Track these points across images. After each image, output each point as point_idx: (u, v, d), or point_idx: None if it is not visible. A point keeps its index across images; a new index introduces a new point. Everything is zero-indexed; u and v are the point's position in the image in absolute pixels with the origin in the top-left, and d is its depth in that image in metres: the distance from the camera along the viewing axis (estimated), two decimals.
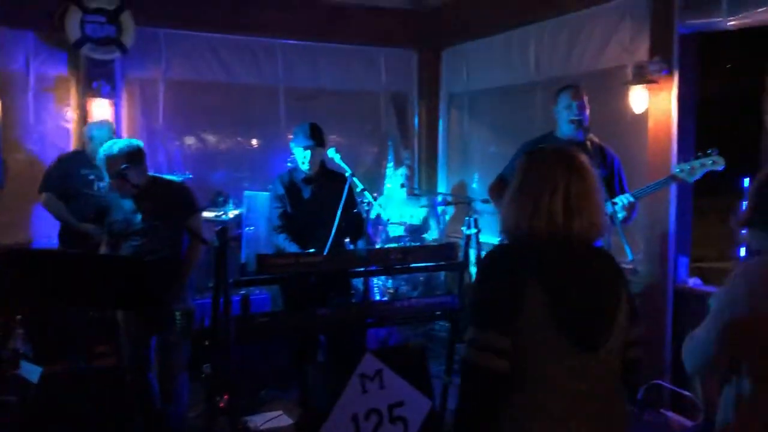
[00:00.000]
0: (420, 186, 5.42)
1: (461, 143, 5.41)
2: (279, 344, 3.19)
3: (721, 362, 1.46)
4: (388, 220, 4.41)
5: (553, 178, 1.37)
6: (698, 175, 2.94)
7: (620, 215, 2.94)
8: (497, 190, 3.32)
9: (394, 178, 4.94)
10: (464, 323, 2.66)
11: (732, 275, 1.45)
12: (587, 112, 3.18)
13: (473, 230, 3.72)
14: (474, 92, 5.22)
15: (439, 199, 4.82)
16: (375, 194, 5.20)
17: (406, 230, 4.59)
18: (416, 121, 5.55)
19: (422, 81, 5.48)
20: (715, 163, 2.92)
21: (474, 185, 5.18)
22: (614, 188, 3.13)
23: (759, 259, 1.49)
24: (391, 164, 5.31)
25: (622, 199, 2.96)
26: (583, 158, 1.41)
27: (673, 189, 3.71)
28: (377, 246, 3.80)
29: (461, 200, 4.65)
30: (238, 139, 4.47)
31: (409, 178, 4.91)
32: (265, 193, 3.59)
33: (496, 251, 1.42)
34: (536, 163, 1.42)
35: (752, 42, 4.04)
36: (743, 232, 1.54)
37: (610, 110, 4.02)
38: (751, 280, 1.43)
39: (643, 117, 3.88)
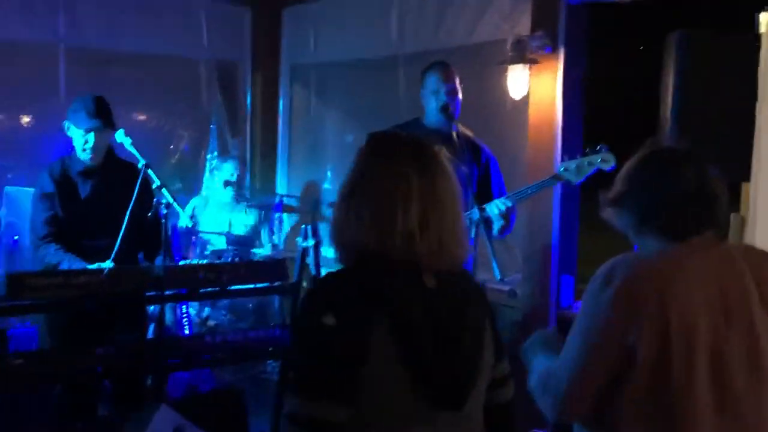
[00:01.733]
0: (252, 185, 5.48)
1: (309, 130, 5.55)
2: (44, 394, 2.99)
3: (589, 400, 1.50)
4: (192, 227, 4.41)
5: (405, 178, 1.36)
6: (586, 175, 3.08)
7: (496, 225, 3.08)
8: None
9: (218, 174, 4.91)
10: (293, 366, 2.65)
11: (602, 278, 1.52)
12: (459, 97, 3.31)
13: (311, 241, 3.71)
14: (324, 65, 5.36)
15: (276, 201, 4.90)
16: (190, 195, 5.09)
17: (230, 243, 4.60)
18: (248, 99, 5.60)
19: (257, 47, 5.54)
20: (604, 161, 3.06)
21: (326, 185, 5.32)
22: (490, 192, 3.28)
23: (635, 257, 1.58)
24: (213, 155, 5.37)
25: (497, 205, 3.08)
26: (436, 151, 1.42)
27: (557, 193, 3.96)
28: (183, 263, 3.62)
29: (304, 206, 4.81)
30: (0, 115, 4.20)
31: (239, 174, 4.86)
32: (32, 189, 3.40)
33: (329, 283, 1.38)
34: (382, 155, 1.42)
35: (650, 14, 4.35)
36: (609, 212, 1.66)
37: (486, 95, 4.31)
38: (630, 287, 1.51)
39: (523, 104, 4.16)
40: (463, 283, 1.42)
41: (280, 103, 5.65)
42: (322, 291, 1.34)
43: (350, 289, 1.32)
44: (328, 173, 5.44)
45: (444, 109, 3.22)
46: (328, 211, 4.58)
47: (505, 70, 4.16)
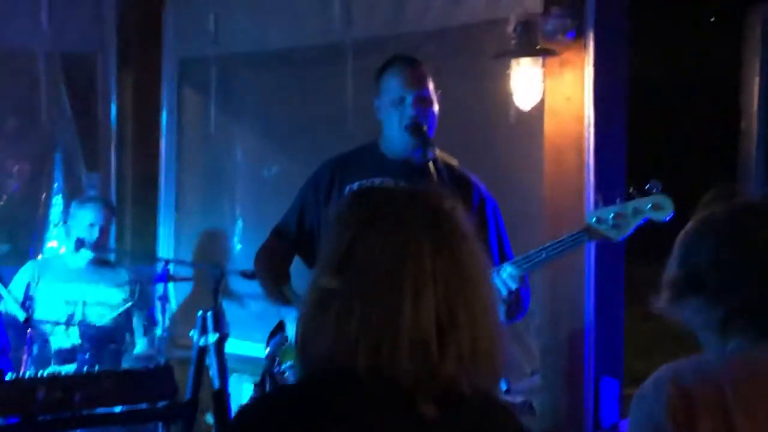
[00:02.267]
0: (121, 244, 5.44)
1: (208, 157, 5.68)
2: None
3: None
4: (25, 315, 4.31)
5: (415, 255, 1.42)
6: (632, 228, 3.14)
7: (500, 307, 3.15)
8: (270, 259, 3.53)
9: (67, 228, 4.97)
10: None
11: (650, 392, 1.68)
12: (435, 109, 3.38)
13: (212, 336, 3.72)
14: (230, 59, 5.45)
15: (159, 269, 4.80)
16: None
17: (85, 337, 4.56)
18: (113, 112, 5.60)
19: (126, 33, 5.59)
20: (657, 208, 3.13)
21: (236, 242, 5.44)
22: (489, 250, 3.38)
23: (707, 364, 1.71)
24: (59, 198, 5.36)
25: (501, 276, 3.14)
26: (452, 210, 1.49)
27: (590, 254, 4.05)
28: (10, 376, 3.47)
29: (202, 277, 4.86)
30: None
31: (101, 227, 4.84)
32: None
33: (273, 407, 1.46)
34: (376, 220, 1.47)
35: None
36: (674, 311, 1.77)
37: (478, 105, 4.49)
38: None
39: (534, 117, 4.31)
40: (488, 411, 1.49)
41: (163, 116, 5.68)
42: (273, 414, 1.41)
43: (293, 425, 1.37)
44: (239, 223, 5.48)
45: (413, 127, 3.31)
46: (240, 285, 4.55)
47: (507, 67, 4.29)
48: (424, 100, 3.34)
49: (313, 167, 3.56)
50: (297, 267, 3.52)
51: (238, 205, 5.57)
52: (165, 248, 5.67)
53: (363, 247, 1.44)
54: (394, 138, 3.37)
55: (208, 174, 5.75)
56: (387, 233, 1.44)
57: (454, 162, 3.44)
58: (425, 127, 3.31)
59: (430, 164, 3.25)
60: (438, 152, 3.29)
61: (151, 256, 5.35)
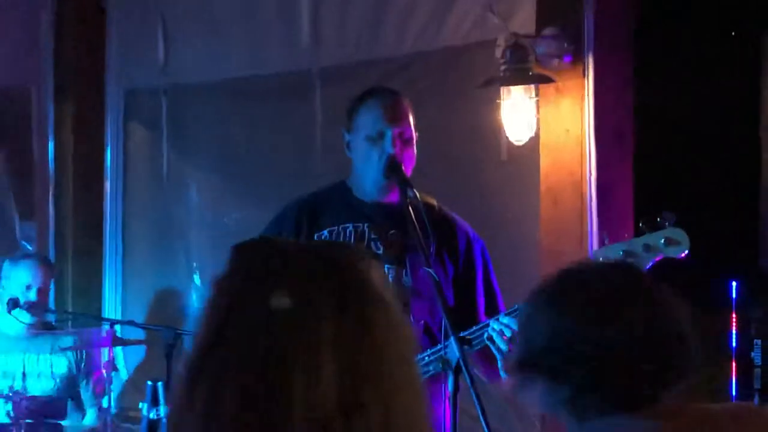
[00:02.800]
0: (61, 305, 5.42)
1: (159, 202, 5.62)
2: None
3: None
4: None
5: (314, 320, 1.30)
6: (644, 268, 3.10)
7: (498, 362, 3.12)
8: None
9: (4, 289, 4.87)
10: None
11: None
12: (413, 152, 3.41)
13: (165, 409, 3.67)
14: (182, 89, 5.47)
15: (104, 331, 4.73)
16: None
17: (20, 410, 4.42)
18: (51, 151, 5.58)
19: (64, 63, 5.58)
20: (672, 242, 3.11)
21: (193, 302, 5.45)
22: (476, 304, 3.38)
23: None
24: None
25: (494, 329, 3.10)
26: (373, 274, 1.37)
27: None
28: None
29: (154, 341, 4.78)
30: None
31: (39, 287, 4.83)
32: None
33: None
34: (263, 278, 1.33)
35: (734, 3, 4.57)
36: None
37: (462, 139, 4.57)
38: None
39: (527, 153, 4.40)
40: None
41: (107, 155, 5.69)
42: None
43: None
44: (195, 278, 5.46)
45: (390, 166, 3.33)
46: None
47: (497, 96, 4.34)
48: (404, 139, 3.37)
49: (274, 212, 3.57)
50: None
51: (194, 257, 5.50)
52: (111, 308, 5.63)
53: (243, 314, 1.31)
54: (368, 178, 3.39)
55: (159, 221, 5.68)
56: (275, 293, 1.32)
57: (433, 202, 3.47)
58: (404, 167, 3.34)
59: (410, 207, 3.26)
60: (419, 194, 3.31)
61: (96, 317, 5.32)
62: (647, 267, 3.09)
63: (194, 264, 5.48)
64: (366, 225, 3.28)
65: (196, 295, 5.45)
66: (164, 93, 5.51)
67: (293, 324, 1.28)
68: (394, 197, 3.34)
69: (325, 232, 3.32)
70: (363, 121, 3.40)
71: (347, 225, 3.33)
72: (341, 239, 3.22)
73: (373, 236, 3.27)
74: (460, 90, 4.54)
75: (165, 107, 5.53)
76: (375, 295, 1.34)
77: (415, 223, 3.22)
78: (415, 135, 3.40)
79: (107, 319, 5.08)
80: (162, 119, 5.57)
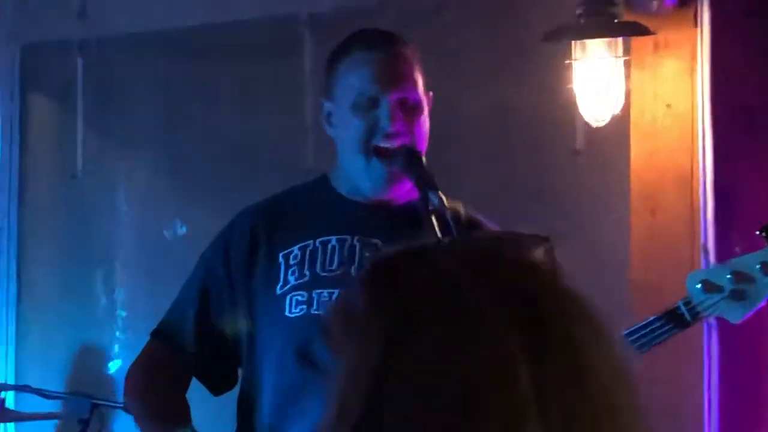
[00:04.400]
0: None
1: (71, 208, 5.63)
2: None
3: None
4: None
5: (503, 372, 1.34)
6: (761, 301, 3.21)
7: None
8: (151, 384, 3.54)
9: None
10: None
11: None
12: (425, 120, 3.34)
13: None
14: (108, 44, 5.51)
15: None
16: None
17: None
18: None
19: None
20: None
21: (115, 355, 5.42)
22: None
23: None
24: None
25: None
26: (560, 280, 1.42)
27: (710, 340, 4.13)
28: None
29: (68, 411, 4.82)
30: None
31: None
32: None
33: None
34: (423, 323, 1.36)
35: None
36: None
37: (515, 118, 4.51)
38: None
39: (612, 138, 4.33)
40: None
41: None
42: None
43: None
44: (120, 320, 5.43)
45: (386, 150, 3.26)
46: (126, 422, 4.27)
47: (568, 56, 4.25)
48: (409, 108, 3.27)
49: (227, 218, 3.50)
50: None
51: (119, 287, 5.41)
52: (4, 368, 5.59)
53: (400, 378, 1.34)
54: (358, 167, 3.31)
55: (71, 237, 5.61)
56: (442, 341, 1.36)
57: (459, 208, 3.34)
58: (416, 147, 3.25)
59: (431, 211, 3.13)
60: (444, 196, 3.13)
61: None
62: (764, 302, 3.17)
63: (119, 298, 5.43)
64: (355, 238, 3.21)
65: (119, 346, 5.44)
66: (80, 50, 5.49)
67: (476, 378, 1.35)
68: (399, 193, 3.29)
69: (295, 249, 3.25)
70: (344, 82, 3.33)
71: (328, 238, 3.26)
72: (317, 260, 3.18)
73: (366, 254, 3.22)
74: (513, 46, 4.51)
75: (81, 70, 5.50)
76: (580, 316, 1.40)
77: (434, 226, 3.13)
78: (426, 100, 3.32)
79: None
80: (77, 88, 5.53)
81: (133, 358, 4.97)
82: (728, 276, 3.13)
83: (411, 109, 3.26)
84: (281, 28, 5.11)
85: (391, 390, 1.34)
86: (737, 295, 3.17)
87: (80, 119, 5.58)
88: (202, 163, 5.35)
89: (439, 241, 2.97)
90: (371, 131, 3.23)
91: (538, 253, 1.44)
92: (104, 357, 5.48)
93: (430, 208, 3.12)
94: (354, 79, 3.29)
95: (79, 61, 5.53)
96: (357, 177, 3.32)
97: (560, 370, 1.33)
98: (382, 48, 3.34)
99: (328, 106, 3.36)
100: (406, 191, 3.25)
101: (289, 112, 5.03)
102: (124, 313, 5.46)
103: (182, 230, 5.31)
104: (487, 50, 4.61)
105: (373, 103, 3.24)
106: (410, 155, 3.22)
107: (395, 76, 3.29)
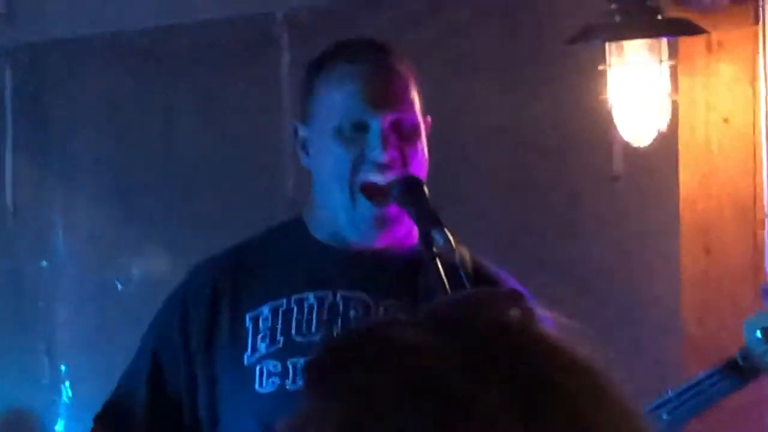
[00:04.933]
0: None
1: (2, 253, 5.54)
2: None
3: None
4: None
5: None
6: None
7: None
8: None
9: None
10: None
11: None
12: (423, 146, 3.21)
13: None
14: (42, 49, 5.41)
15: None
16: None
17: None
18: None
19: None
20: None
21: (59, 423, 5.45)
22: None
23: None
24: None
25: None
26: (571, 358, 1.36)
27: None
28: None
29: None
30: None
31: None
32: None
33: None
34: (397, 410, 1.29)
35: None
36: None
37: (538, 135, 4.48)
38: None
39: (657, 159, 4.29)
40: None
41: None
42: None
43: None
44: (65, 394, 5.32)
45: (405, 188, 3.10)
46: None
47: (601, 61, 4.15)
48: (404, 131, 3.10)
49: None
50: None
51: (61, 353, 5.27)
52: None
53: None
54: (341, 207, 3.15)
55: (0, 289, 5.51)
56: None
57: (466, 254, 3.20)
58: (419, 180, 3.10)
59: (436, 260, 2.97)
60: (451, 236, 2.97)
61: None
62: None
63: (62, 367, 5.25)
64: (338, 294, 3.07)
65: (62, 414, 5.34)
66: (7, 56, 5.37)
67: None
68: (391, 240, 3.15)
69: (265, 309, 3.09)
70: (328, 100, 3.18)
71: (304, 294, 3.11)
72: (291, 323, 3.03)
73: (352, 313, 3.08)
74: (534, 51, 4.45)
75: (9, 82, 5.39)
76: (573, 373, 1.32)
77: (447, 288, 2.96)
78: (424, 124, 3.15)
79: None
80: (4, 103, 5.39)
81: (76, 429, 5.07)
82: None
83: (406, 134, 3.09)
84: (252, 29, 5.02)
85: None
86: None
87: (8, 142, 5.45)
88: (159, 195, 5.18)
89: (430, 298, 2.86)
90: (358, 163, 3.06)
91: (515, 313, 1.34)
92: (44, 422, 5.43)
93: (435, 250, 2.95)
94: (337, 97, 3.15)
95: (7, 71, 5.43)
96: (340, 219, 3.15)
97: None
98: (371, 60, 3.20)
99: (303, 131, 3.20)
100: (401, 236, 3.11)
101: (263, 130, 4.91)
102: (66, 386, 5.37)
103: (134, 277, 5.20)
104: (497, 55, 4.55)
105: (361, 127, 3.08)
106: (410, 184, 3.04)
107: (387, 95, 3.14)
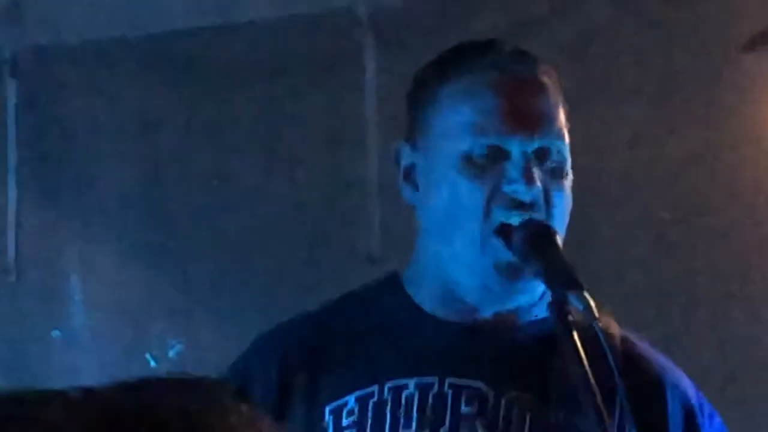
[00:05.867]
0: None
1: (4, 319, 5.35)
2: None
3: None
4: None
5: None
6: None
7: None
8: None
9: None
10: None
11: None
12: (565, 183, 3.04)
13: None
14: (54, 54, 5.26)
15: None
16: None
17: None
18: None
19: None
20: None
21: None
22: None
23: None
24: None
25: None
26: None
27: None
28: None
29: None
30: None
31: None
32: None
33: None
34: None
35: None
36: None
37: (693, 159, 4.63)
38: None
39: None
40: None
41: None
42: None
43: None
44: None
45: (534, 245, 2.86)
46: None
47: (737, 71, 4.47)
48: (550, 163, 2.90)
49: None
50: None
51: None
52: None
53: None
54: (466, 255, 2.92)
55: (3, 364, 5.34)
56: None
57: (615, 329, 2.98)
58: (551, 229, 2.86)
59: (573, 334, 2.74)
60: (593, 303, 2.69)
61: None
62: None
63: None
64: (447, 381, 2.90)
65: None
66: (11, 64, 5.24)
67: None
68: (515, 303, 2.95)
69: (351, 399, 2.92)
70: (450, 118, 2.98)
71: (402, 381, 2.94)
72: (385, 418, 2.81)
73: (464, 408, 2.87)
74: (684, 62, 4.47)
75: (13, 98, 5.20)
76: None
77: (590, 379, 2.71)
78: (568, 152, 3.00)
79: None
80: (5, 124, 5.22)
81: None
82: None
83: (553, 169, 2.89)
84: (326, 32, 4.89)
85: None
86: None
87: (11, 177, 5.25)
88: (203, 247, 5.05)
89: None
90: (493, 199, 2.80)
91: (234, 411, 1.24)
92: None
93: (571, 319, 2.72)
94: (464, 114, 2.92)
95: (9, 82, 5.27)
96: (457, 276, 2.90)
97: None
98: (512, 68, 2.99)
99: (410, 155, 2.97)
100: (524, 304, 2.85)
101: (340, 164, 4.81)
102: None
103: (175, 350, 4.97)
104: (635, 61, 4.49)
105: (499, 154, 2.88)
106: (540, 234, 2.80)
107: (533, 114, 2.95)
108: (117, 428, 1.19)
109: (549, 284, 2.74)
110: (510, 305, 2.85)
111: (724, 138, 4.46)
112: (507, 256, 2.77)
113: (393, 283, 3.02)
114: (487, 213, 2.80)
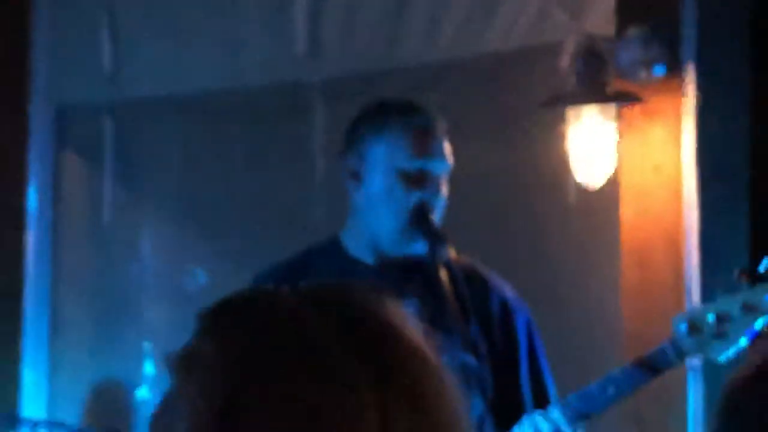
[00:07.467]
0: None
1: (100, 259, 5.88)
2: None
3: None
4: None
5: (347, 401, 1.36)
6: (742, 339, 3.33)
7: None
8: None
9: None
10: None
11: None
12: (445, 190, 3.56)
13: None
14: (134, 106, 5.68)
15: None
16: None
17: None
18: None
19: None
20: None
21: (144, 395, 5.58)
22: (517, 389, 3.54)
23: None
24: None
25: (549, 423, 3.36)
26: (390, 313, 1.44)
27: (694, 387, 4.37)
28: None
29: None
30: None
31: None
32: None
33: None
34: (266, 361, 1.37)
35: None
36: None
37: (512, 179, 4.79)
38: None
39: (604, 198, 4.61)
40: None
41: (31, 196, 5.73)
42: None
43: None
44: (148, 365, 5.57)
45: (421, 216, 3.43)
46: None
47: (562, 121, 4.59)
48: (438, 177, 3.49)
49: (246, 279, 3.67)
50: None
51: (147, 334, 5.62)
52: (33, 403, 5.65)
53: (247, 419, 1.35)
54: (384, 231, 3.47)
55: (100, 286, 5.89)
56: (287, 378, 1.36)
57: (469, 262, 3.60)
58: (433, 216, 3.44)
59: (442, 268, 3.38)
60: (453, 251, 3.44)
61: (12, 417, 5.32)
62: (746, 340, 3.30)
63: (145, 344, 5.62)
64: None
65: (147, 387, 5.59)
66: (110, 112, 5.72)
67: (328, 422, 1.34)
68: (416, 254, 3.46)
69: None
70: (385, 148, 3.48)
71: None
72: None
73: None
74: (511, 112, 4.80)
75: (109, 131, 5.73)
76: (411, 350, 1.41)
77: (449, 296, 3.35)
78: (445, 172, 3.56)
79: (28, 420, 5.22)
80: (105, 147, 5.77)
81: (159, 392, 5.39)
82: (711, 317, 3.30)
83: (441, 179, 3.46)
84: (295, 92, 5.25)
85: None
86: (720, 335, 3.31)
87: (107, 175, 5.78)
88: (221, 217, 5.56)
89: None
90: (423, 206, 3.37)
91: (387, 302, 1.45)
92: (132, 398, 5.63)
93: (437, 259, 3.31)
94: (399, 145, 3.42)
95: (109, 122, 5.70)
96: (378, 242, 3.47)
97: (403, 399, 1.37)
98: (424, 120, 3.48)
99: (352, 163, 3.48)
100: (422, 251, 3.38)
101: (301, 172, 5.18)
102: (150, 358, 5.55)
103: (201, 280, 5.51)
104: (484, 116, 4.81)
105: (423, 176, 3.41)
106: (421, 209, 3.37)
107: (438, 149, 3.45)
108: (329, 309, 1.39)
109: (426, 239, 3.32)
110: (413, 252, 3.38)
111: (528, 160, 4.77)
112: (411, 235, 3.38)
113: (335, 242, 3.51)
114: (419, 215, 3.36)
